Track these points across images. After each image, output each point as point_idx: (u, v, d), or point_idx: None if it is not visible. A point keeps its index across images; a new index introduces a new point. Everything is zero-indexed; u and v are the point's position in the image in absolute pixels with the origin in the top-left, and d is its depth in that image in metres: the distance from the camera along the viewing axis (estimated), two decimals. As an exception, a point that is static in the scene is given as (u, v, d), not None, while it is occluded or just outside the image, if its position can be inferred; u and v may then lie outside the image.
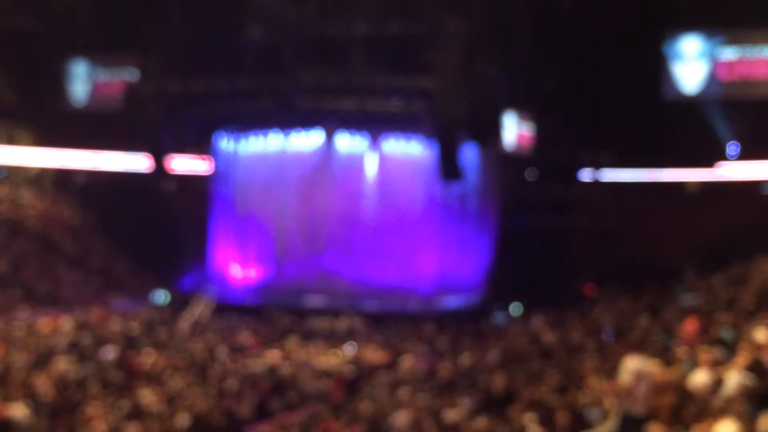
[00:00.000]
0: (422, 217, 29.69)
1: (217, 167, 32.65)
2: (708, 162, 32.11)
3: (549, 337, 20.38)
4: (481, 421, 10.78)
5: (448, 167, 26.80)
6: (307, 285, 29.38)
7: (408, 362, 20.44)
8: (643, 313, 19.82)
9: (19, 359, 18.14)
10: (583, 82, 30.11)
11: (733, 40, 29.88)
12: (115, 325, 24.20)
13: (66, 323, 23.95)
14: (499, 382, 13.32)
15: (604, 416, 9.39)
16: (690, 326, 13.17)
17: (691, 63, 30.25)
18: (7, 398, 14.75)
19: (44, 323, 23.91)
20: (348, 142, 30.19)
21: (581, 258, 32.46)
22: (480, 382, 14.74)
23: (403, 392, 15.37)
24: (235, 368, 19.25)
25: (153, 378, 17.80)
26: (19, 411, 14.18)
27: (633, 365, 8.71)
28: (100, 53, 34.82)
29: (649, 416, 8.38)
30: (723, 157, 31.80)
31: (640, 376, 8.61)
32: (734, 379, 8.71)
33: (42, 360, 18.35)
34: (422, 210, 29.76)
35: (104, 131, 33.62)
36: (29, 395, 15.15)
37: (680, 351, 11.24)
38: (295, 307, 27.73)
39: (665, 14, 29.84)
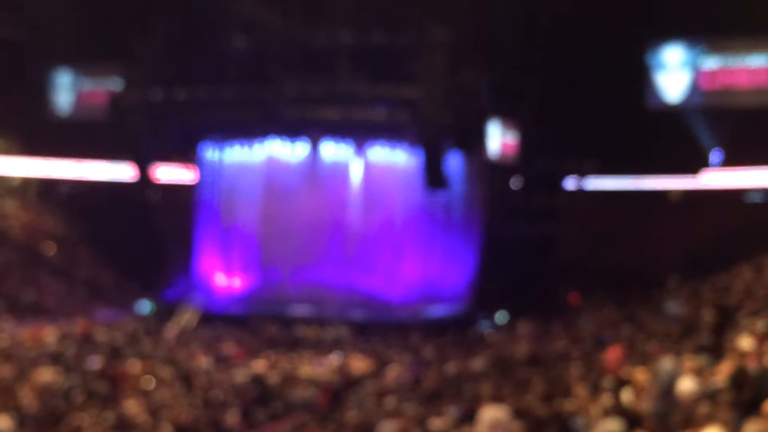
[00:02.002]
0: (407, 226, 29.75)
1: (201, 176, 32.59)
2: (691, 170, 32.30)
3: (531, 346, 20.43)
4: (467, 430, 10.77)
5: (433, 176, 26.88)
6: (292, 294, 29.31)
7: (394, 371, 20.43)
8: (626, 321, 19.93)
9: (2, 371, 18.02)
10: (567, 92, 30.25)
11: (714, 50, 30.16)
12: (100, 336, 24.07)
13: (50, 334, 23.81)
14: (485, 390, 13.33)
15: (588, 425, 9.42)
16: (612, 355, 13.10)
17: (674, 72, 30.51)
18: (-9, 410, 14.65)
19: (28, 334, 23.76)
20: (333, 151, 30.22)
21: (566, 266, 32.57)
22: (466, 391, 14.74)
23: (390, 401, 15.36)
24: (220, 378, 19.19)
25: (138, 389, 17.72)
26: (2, 423, 14.08)
27: (489, 416, 8.70)
28: (84, 63, 34.76)
29: None
30: (706, 165, 32.01)
31: (496, 427, 8.58)
32: (719, 386, 8.77)
33: (26, 371, 18.24)
34: (407, 218, 29.83)
35: (88, 140, 33.51)
36: (13, 407, 15.05)
37: (605, 381, 11.15)
38: (280, 316, 27.66)
39: (648, 24, 30.07)
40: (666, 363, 8.63)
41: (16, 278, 30.51)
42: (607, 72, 29.56)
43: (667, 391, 8.42)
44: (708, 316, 14.50)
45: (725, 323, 13.16)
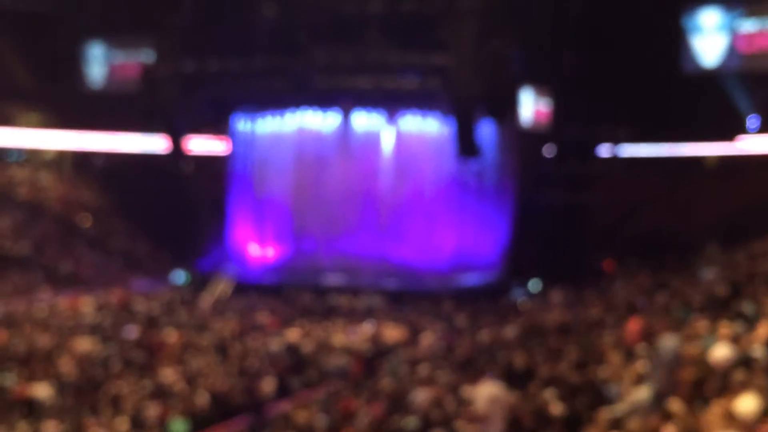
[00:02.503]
0: (440, 195, 29.70)
1: (234, 147, 32.72)
2: (728, 136, 31.78)
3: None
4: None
5: (465, 144, 26.74)
6: (325, 264, 29.46)
7: (427, 339, 20.50)
8: (661, 288, 19.76)
9: (42, 340, 18.35)
10: (600, 57, 29.84)
11: (752, 12, 29.50)
12: (137, 306, 24.41)
13: (87, 304, 24.19)
14: (519, 358, 13.34)
15: (622, 392, 9.39)
16: (633, 326, 12.92)
17: (710, 36, 29.90)
18: (32, 378, 14.95)
19: (66, 304, 24.14)
20: (364, 121, 30.17)
21: (600, 234, 32.30)
22: (499, 359, 14.76)
23: (423, 369, 15.42)
24: (255, 347, 19.37)
25: (174, 357, 17.96)
26: (43, 391, 14.37)
27: (487, 392, 8.63)
28: (116, 35, 34.84)
29: None
30: (743, 130, 31.47)
31: (494, 402, 8.52)
32: (756, 352, 8.68)
33: (64, 340, 18.55)
34: (440, 187, 29.76)
35: (121, 113, 33.68)
36: (53, 375, 15.34)
37: (639, 348, 11.03)
38: (313, 285, 27.82)
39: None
40: (667, 340, 8.54)
41: (54, 250, 30.97)
42: (642, 36, 29.05)
43: (668, 369, 8.34)
44: (743, 282, 14.35)
45: (760, 290, 12.99)
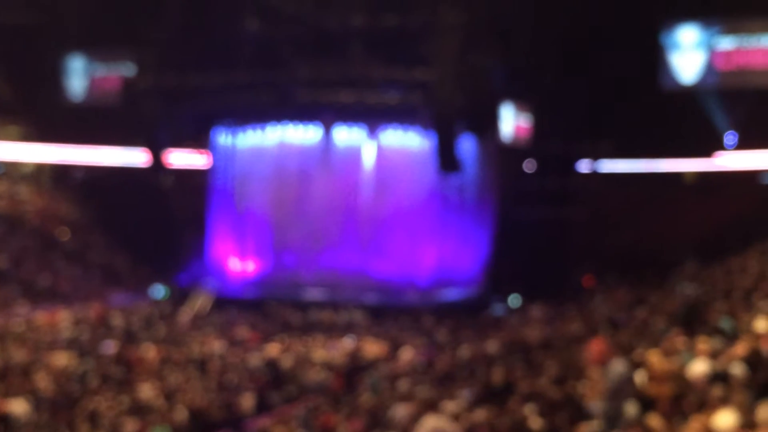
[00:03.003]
0: (421, 209, 29.69)
1: (215, 161, 32.62)
2: (706, 152, 32.08)
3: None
4: (480, 413, 10.78)
5: (446, 159, 26.80)
6: (306, 278, 29.37)
7: (407, 355, 20.46)
8: (640, 304, 19.85)
9: (19, 355, 18.16)
10: (580, 73, 30.06)
11: (730, 30, 29.87)
12: (115, 320, 24.22)
13: (65, 318, 23.98)
14: (498, 373, 13.33)
15: (602, 408, 9.39)
16: (595, 347, 13.00)
17: (689, 53, 30.23)
18: (7, 394, 14.77)
19: (43, 319, 23.92)
20: (346, 135, 30.18)
21: (580, 249, 32.44)
22: (479, 374, 14.74)
23: (403, 384, 15.38)
24: (234, 362, 19.26)
25: (153, 373, 17.82)
26: (19, 407, 14.20)
27: (431, 424, 8.64)
28: (97, 48, 34.75)
29: None
30: (721, 146, 31.77)
31: None
32: (734, 368, 8.72)
33: (41, 355, 18.37)
34: (421, 202, 29.76)
35: (102, 126, 33.57)
36: (29, 390, 15.17)
37: (594, 370, 11.04)
38: (294, 300, 27.72)
39: (663, 4, 29.79)
40: (617, 365, 8.55)
41: (32, 263, 30.71)
42: (621, 53, 29.30)
43: (617, 393, 8.34)
44: (721, 298, 14.43)
45: (738, 306, 13.08)
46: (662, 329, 13.91)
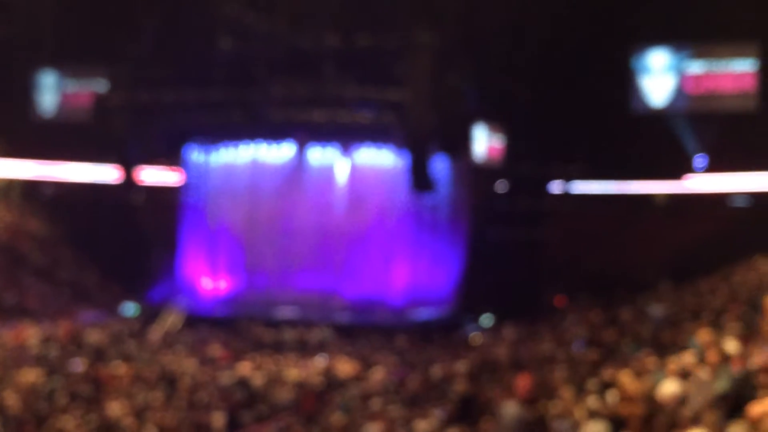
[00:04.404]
0: (393, 229, 29.75)
1: (187, 178, 32.49)
2: (676, 174, 32.45)
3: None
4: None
5: (419, 179, 26.87)
6: (278, 296, 29.27)
7: (379, 374, 20.40)
8: (611, 324, 19.97)
9: (-15, 372, 17.90)
10: (553, 95, 30.33)
11: (699, 54, 30.31)
12: (84, 338, 23.94)
13: (33, 335, 23.66)
14: (470, 393, 13.34)
15: (574, 427, 9.43)
16: (521, 383, 13.20)
17: (659, 77, 30.63)
18: (-27, 412, 14.54)
19: (11, 336, 23.60)
20: (319, 154, 30.20)
21: (552, 269, 32.61)
22: (451, 393, 14.74)
23: (374, 404, 15.34)
24: (205, 380, 19.10)
25: (122, 391, 17.62)
26: (-16, 425, 13.98)
27: None
28: (68, 64, 34.54)
29: None
30: (691, 169, 32.15)
31: None
32: (703, 389, 8.79)
33: (8, 373, 18.11)
34: (393, 221, 29.82)
35: (73, 142, 33.32)
36: (-5, 409, 14.94)
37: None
38: (266, 318, 27.59)
39: (633, 28, 30.19)
40: (509, 407, 8.60)
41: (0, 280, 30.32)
42: (592, 76, 29.64)
43: None
44: (690, 319, 14.57)
45: (707, 326, 13.19)
46: (632, 349, 14.04)
